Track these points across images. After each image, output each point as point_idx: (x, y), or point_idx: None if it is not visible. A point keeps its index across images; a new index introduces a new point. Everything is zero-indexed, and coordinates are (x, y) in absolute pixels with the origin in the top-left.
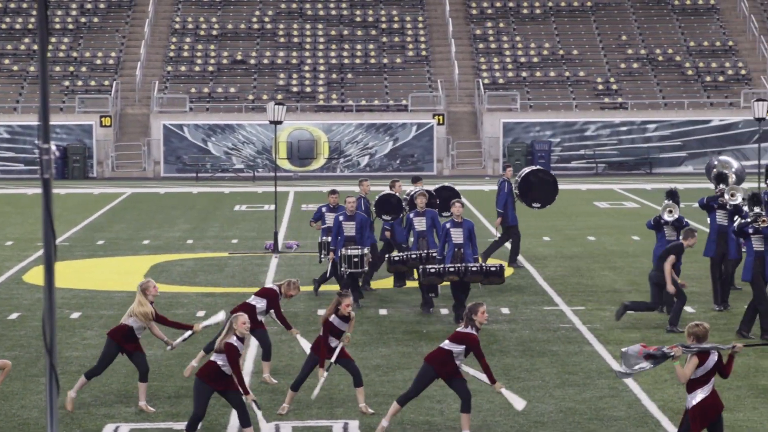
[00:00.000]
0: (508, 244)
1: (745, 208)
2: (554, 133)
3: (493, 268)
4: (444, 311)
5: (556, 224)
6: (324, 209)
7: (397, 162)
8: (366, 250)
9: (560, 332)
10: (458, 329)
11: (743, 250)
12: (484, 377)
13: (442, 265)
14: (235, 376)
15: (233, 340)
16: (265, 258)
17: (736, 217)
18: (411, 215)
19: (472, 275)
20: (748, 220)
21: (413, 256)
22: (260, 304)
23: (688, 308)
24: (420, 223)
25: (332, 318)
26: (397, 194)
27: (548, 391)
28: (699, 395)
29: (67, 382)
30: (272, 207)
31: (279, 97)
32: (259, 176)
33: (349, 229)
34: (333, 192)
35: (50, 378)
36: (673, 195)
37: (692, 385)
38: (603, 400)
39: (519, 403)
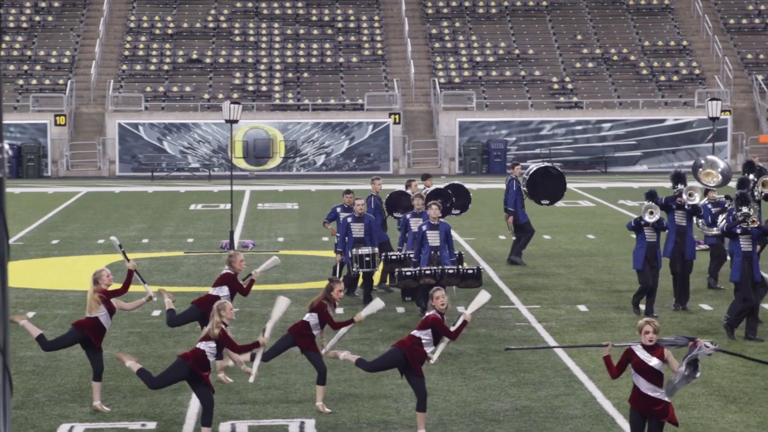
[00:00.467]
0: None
1: (750, 208)
2: (510, 132)
3: (470, 271)
4: (400, 309)
5: (481, 220)
6: (339, 209)
7: (353, 161)
8: (376, 249)
9: (516, 331)
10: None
11: (703, 248)
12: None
13: (418, 268)
14: (240, 351)
15: (223, 327)
16: (220, 257)
17: (700, 219)
18: (408, 216)
19: (449, 278)
20: (738, 220)
21: (427, 272)
22: (222, 293)
23: (643, 306)
24: (416, 226)
25: (325, 302)
26: (410, 192)
27: (504, 390)
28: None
29: (21, 382)
30: (228, 206)
31: (235, 96)
32: (215, 175)
33: (358, 230)
34: (348, 192)
35: (3, 378)
36: (652, 196)
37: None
38: (558, 399)
39: (484, 296)
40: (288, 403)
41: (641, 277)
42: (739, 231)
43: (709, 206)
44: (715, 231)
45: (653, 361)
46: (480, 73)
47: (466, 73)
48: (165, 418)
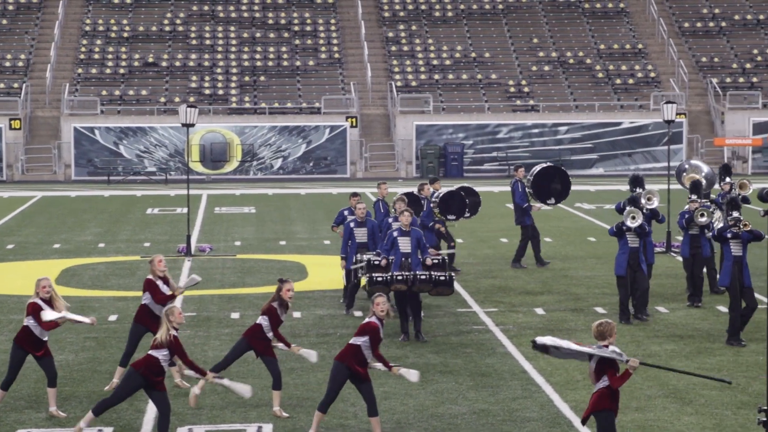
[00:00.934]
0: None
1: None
2: (467, 136)
3: (442, 278)
4: (358, 314)
5: (469, 226)
6: (346, 212)
7: (310, 164)
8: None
9: (473, 334)
10: (369, 320)
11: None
12: (381, 366)
13: (389, 274)
14: (187, 365)
15: (175, 332)
16: (177, 261)
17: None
18: (390, 219)
19: (421, 284)
20: (728, 224)
21: (398, 278)
22: (145, 299)
23: (600, 309)
24: (405, 244)
25: (275, 304)
26: (422, 196)
27: (462, 393)
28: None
29: None
30: (185, 210)
31: (191, 99)
32: (172, 179)
33: (361, 235)
34: (354, 195)
35: None
36: (635, 201)
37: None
38: (516, 402)
39: (413, 376)
40: (245, 407)
41: (620, 283)
42: (729, 235)
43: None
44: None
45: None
46: (437, 77)
47: (422, 77)
48: (122, 423)
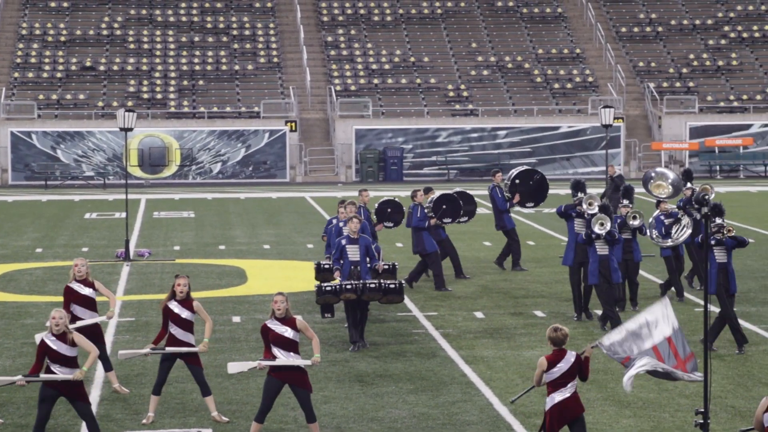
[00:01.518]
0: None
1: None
2: (406, 140)
3: (392, 285)
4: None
5: (408, 231)
6: (335, 221)
7: (249, 169)
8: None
9: (413, 338)
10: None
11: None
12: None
13: (338, 283)
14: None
15: (45, 335)
16: (116, 266)
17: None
18: (341, 224)
19: (371, 293)
20: (712, 230)
21: (347, 286)
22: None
23: (539, 313)
24: (353, 252)
25: (171, 303)
26: (415, 202)
27: (402, 397)
28: (556, 397)
29: None
30: (123, 215)
31: (129, 103)
32: (110, 184)
33: (353, 253)
34: (343, 202)
35: None
36: (605, 209)
37: (549, 388)
38: (456, 405)
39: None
40: (185, 413)
41: (598, 291)
42: (713, 242)
43: (662, 218)
44: (669, 243)
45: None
46: (376, 81)
47: (362, 81)
48: (59, 429)
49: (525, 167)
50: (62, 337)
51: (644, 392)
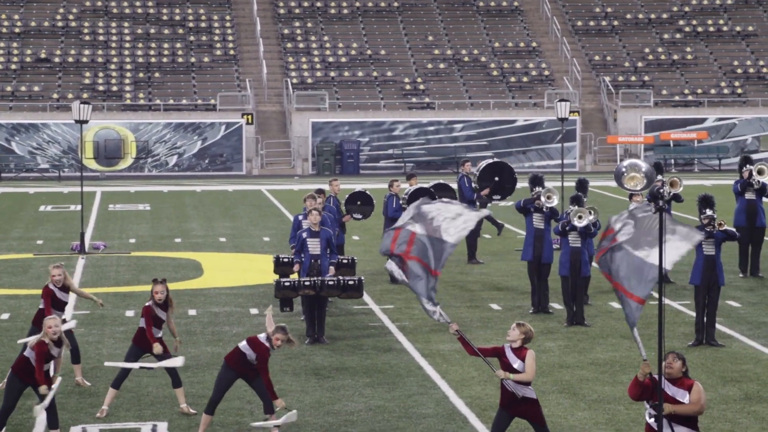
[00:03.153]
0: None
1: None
2: (363, 133)
3: (351, 282)
4: (253, 311)
5: (367, 223)
6: (301, 218)
7: (206, 161)
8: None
9: (369, 330)
10: (258, 335)
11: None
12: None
13: (297, 279)
14: (37, 374)
15: (46, 339)
16: (71, 259)
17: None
18: (300, 216)
19: (329, 289)
20: (702, 223)
21: (306, 283)
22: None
23: (495, 306)
24: (314, 245)
25: (150, 303)
26: (391, 192)
27: (358, 390)
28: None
29: None
30: (78, 207)
31: (85, 96)
32: (65, 176)
33: (314, 246)
34: (317, 193)
35: None
36: (578, 200)
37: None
38: (412, 398)
39: (291, 417)
40: (140, 406)
41: (564, 283)
42: (703, 234)
43: None
44: None
45: (516, 363)
46: (333, 74)
47: (318, 74)
48: (13, 422)
49: (495, 159)
50: (58, 342)
51: (599, 385)
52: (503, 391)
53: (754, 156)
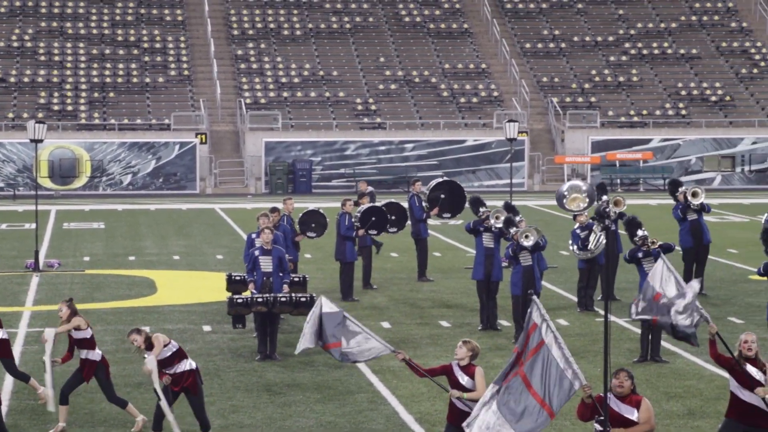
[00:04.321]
0: None
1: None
2: (315, 152)
3: (303, 299)
4: (207, 328)
5: (318, 241)
6: (254, 236)
7: (160, 180)
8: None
9: (317, 347)
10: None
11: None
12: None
13: (250, 296)
14: None
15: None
16: (25, 277)
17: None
18: (254, 235)
19: (282, 306)
20: (637, 244)
21: (258, 300)
22: None
23: (444, 323)
24: (266, 263)
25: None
26: (344, 211)
27: (309, 406)
28: None
29: None
30: (33, 225)
31: (40, 115)
32: (20, 195)
33: (266, 264)
34: (268, 213)
35: None
36: (510, 222)
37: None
38: (362, 414)
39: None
40: (93, 422)
41: (515, 302)
42: (641, 255)
43: (578, 231)
44: (589, 255)
45: (465, 380)
46: (285, 94)
47: (271, 94)
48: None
49: (444, 178)
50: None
51: None
52: (452, 408)
53: (699, 176)
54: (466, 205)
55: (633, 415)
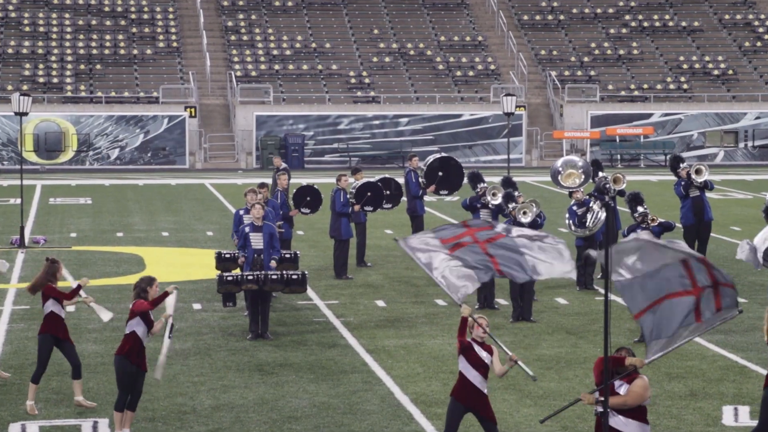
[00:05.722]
0: None
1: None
2: (307, 127)
3: (294, 276)
4: (197, 306)
5: (311, 218)
6: (242, 212)
7: (148, 155)
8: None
9: (314, 326)
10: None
11: None
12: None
13: (240, 273)
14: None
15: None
16: (10, 253)
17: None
18: (241, 211)
19: (273, 284)
20: (637, 221)
21: (249, 277)
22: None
23: (440, 302)
24: (257, 240)
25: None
26: (338, 187)
27: (302, 386)
28: None
29: None
30: (18, 201)
31: (25, 87)
32: (4, 169)
33: (257, 241)
34: (258, 187)
35: None
36: (510, 197)
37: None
38: (356, 395)
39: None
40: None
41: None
42: (639, 232)
43: (574, 208)
44: (587, 232)
45: (484, 354)
46: (277, 67)
47: (262, 67)
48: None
49: (442, 154)
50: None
51: (545, 381)
52: (463, 383)
53: (701, 152)
54: (465, 181)
55: (623, 389)
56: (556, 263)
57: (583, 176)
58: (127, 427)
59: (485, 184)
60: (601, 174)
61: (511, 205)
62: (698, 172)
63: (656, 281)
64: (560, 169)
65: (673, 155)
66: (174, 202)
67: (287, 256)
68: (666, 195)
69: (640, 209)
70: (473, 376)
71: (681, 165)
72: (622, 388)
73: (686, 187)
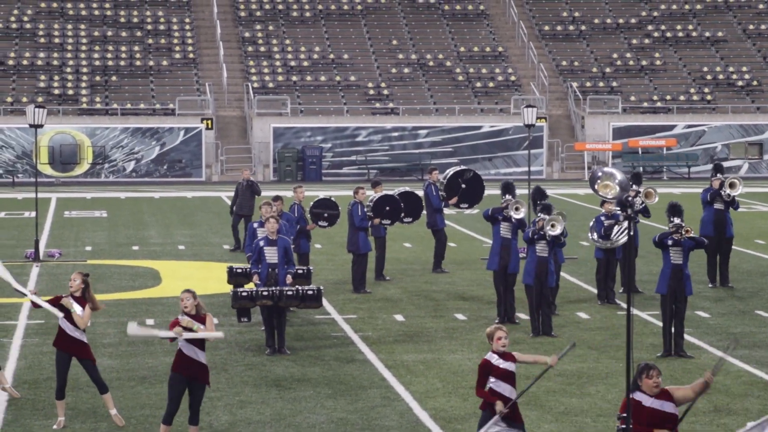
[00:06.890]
0: None
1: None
2: (325, 139)
3: (310, 292)
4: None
5: (328, 231)
6: (256, 225)
7: (164, 167)
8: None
9: (332, 341)
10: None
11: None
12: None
13: (254, 289)
14: None
15: None
16: (25, 267)
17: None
18: (255, 225)
19: (288, 300)
20: (669, 230)
21: (264, 293)
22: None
23: (460, 316)
24: (271, 254)
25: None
26: (356, 200)
27: (319, 402)
28: None
29: None
30: (33, 214)
31: (39, 99)
32: (19, 182)
33: (271, 255)
34: (272, 200)
35: None
36: (548, 209)
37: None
38: (375, 410)
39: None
40: (96, 418)
41: (528, 292)
42: (670, 242)
43: (602, 218)
44: (608, 244)
45: (506, 364)
46: (294, 78)
47: (280, 78)
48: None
49: (462, 167)
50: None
51: (566, 397)
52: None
53: (724, 165)
54: (485, 194)
55: (673, 408)
56: None
57: (617, 190)
58: None
59: (512, 197)
60: (634, 187)
61: (539, 215)
62: (732, 185)
63: None
64: (600, 175)
65: (716, 162)
66: (190, 215)
67: (300, 272)
68: (689, 208)
69: (676, 220)
70: (504, 388)
71: (717, 174)
72: (668, 407)
73: (713, 195)
